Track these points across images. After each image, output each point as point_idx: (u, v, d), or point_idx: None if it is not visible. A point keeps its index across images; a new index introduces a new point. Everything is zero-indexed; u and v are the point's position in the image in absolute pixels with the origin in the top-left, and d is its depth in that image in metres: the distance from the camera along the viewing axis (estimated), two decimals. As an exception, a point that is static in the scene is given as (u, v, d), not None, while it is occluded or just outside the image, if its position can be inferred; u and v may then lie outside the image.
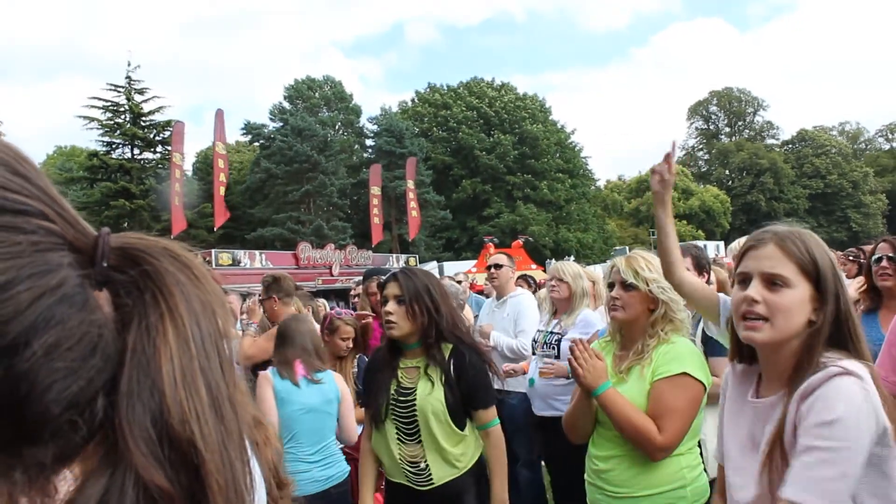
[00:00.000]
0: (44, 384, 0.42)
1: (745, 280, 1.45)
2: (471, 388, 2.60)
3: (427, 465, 2.59)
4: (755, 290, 1.41)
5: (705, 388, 2.28)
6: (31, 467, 0.43)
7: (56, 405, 0.43)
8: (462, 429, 2.60)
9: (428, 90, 43.89)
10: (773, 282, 1.40)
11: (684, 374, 2.24)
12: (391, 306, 2.61)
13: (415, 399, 2.59)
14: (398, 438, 2.64)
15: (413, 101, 44.40)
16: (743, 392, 1.55)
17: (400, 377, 2.67)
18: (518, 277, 7.87)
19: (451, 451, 2.57)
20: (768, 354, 1.46)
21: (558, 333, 4.02)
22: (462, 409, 2.60)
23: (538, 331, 4.25)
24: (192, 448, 0.45)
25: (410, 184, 30.05)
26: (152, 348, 0.46)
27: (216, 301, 0.52)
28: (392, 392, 2.65)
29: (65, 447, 0.44)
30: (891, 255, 3.08)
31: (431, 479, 2.58)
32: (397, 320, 2.59)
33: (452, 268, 19.80)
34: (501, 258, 5.10)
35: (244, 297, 6.34)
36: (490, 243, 22.54)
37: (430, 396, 2.56)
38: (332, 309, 4.89)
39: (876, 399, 1.29)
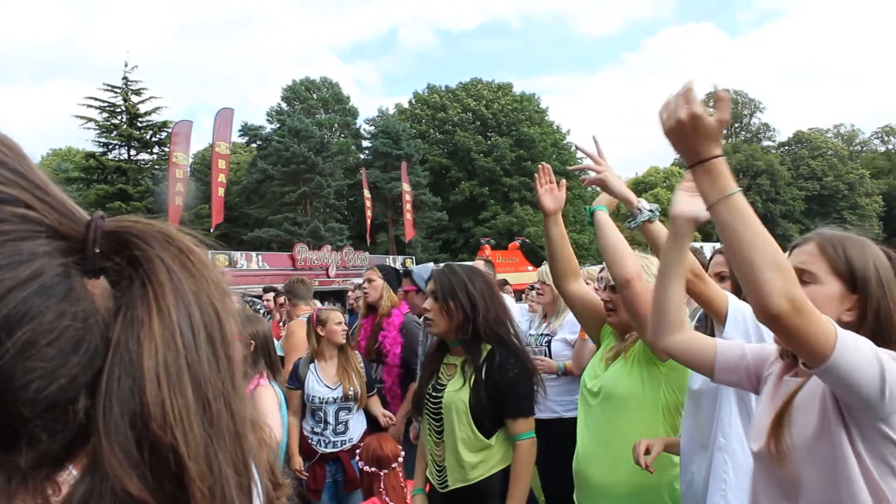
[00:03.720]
0: (18, 385, 0.39)
1: None
2: (501, 393, 2.48)
3: (445, 467, 2.57)
4: None
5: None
6: (11, 472, 0.40)
7: (31, 407, 0.40)
8: (488, 436, 2.50)
9: (427, 91, 43.93)
10: (801, 278, 1.45)
11: None
12: (428, 303, 2.62)
13: (443, 396, 2.57)
14: (430, 436, 2.66)
15: (411, 102, 44.44)
16: (780, 375, 1.62)
17: (440, 373, 2.67)
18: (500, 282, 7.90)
19: (468, 458, 2.50)
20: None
21: (547, 335, 4.12)
22: (491, 414, 2.49)
23: (529, 334, 4.28)
24: (173, 453, 0.42)
25: (406, 186, 30.02)
26: (135, 343, 0.42)
27: (214, 291, 0.47)
28: (429, 387, 2.66)
29: (46, 451, 0.41)
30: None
31: (447, 482, 2.56)
32: (433, 317, 2.59)
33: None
34: (478, 264, 5.23)
35: (241, 297, 6.39)
36: (486, 245, 22.57)
37: (456, 394, 2.53)
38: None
39: None
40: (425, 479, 2.76)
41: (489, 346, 2.55)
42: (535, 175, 2.56)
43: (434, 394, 2.63)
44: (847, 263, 1.46)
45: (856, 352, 1.29)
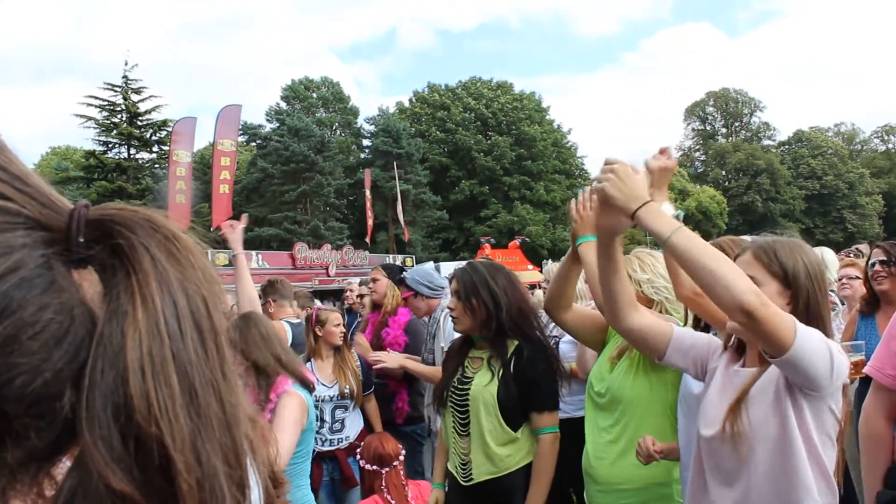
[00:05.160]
0: (2, 381, 0.39)
1: None
2: (527, 387, 2.53)
3: (471, 460, 2.59)
4: None
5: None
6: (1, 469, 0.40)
7: (17, 404, 0.39)
8: (515, 429, 2.54)
9: (427, 90, 43.91)
10: None
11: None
12: (452, 301, 2.67)
13: (470, 388, 2.61)
14: (454, 429, 2.68)
15: (411, 101, 44.43)
16: (727, 366, 1.83)
17: (465, 366, 2.71)
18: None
19: (496, 450, 2.53)
20: (748, 339, 1.74)
21: (555, 336, 4.04)
22: (519, 408, 2.54)
23: None
24: (158, 445, 0.40)
25: (399, 185, 29.97)
26: (119, 334, 0.41)
27: (202, 279, 0.46)
28: (454, 381, 2.70)
29: (33, 447, 0.40)
30: (883, 259, 3.12)
31: (472, 475, 2.58)
32: (457, 315, 2.64)
33: (449, 268, 19.79)
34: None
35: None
36: (486, 244, 22.57)
37: (485, 388, 2.56)
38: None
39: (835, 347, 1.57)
40: (445, 472, 2.77)
41: (516, 342, 2.58)
42: (574, 203, 2.39)
43: (459, 387, 2.66)
44: (780, 264, 1.69)
45: (811, 341, 1.52)
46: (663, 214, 1.65)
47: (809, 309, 1.67)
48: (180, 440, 0.41)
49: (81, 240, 0.44)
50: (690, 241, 1.58)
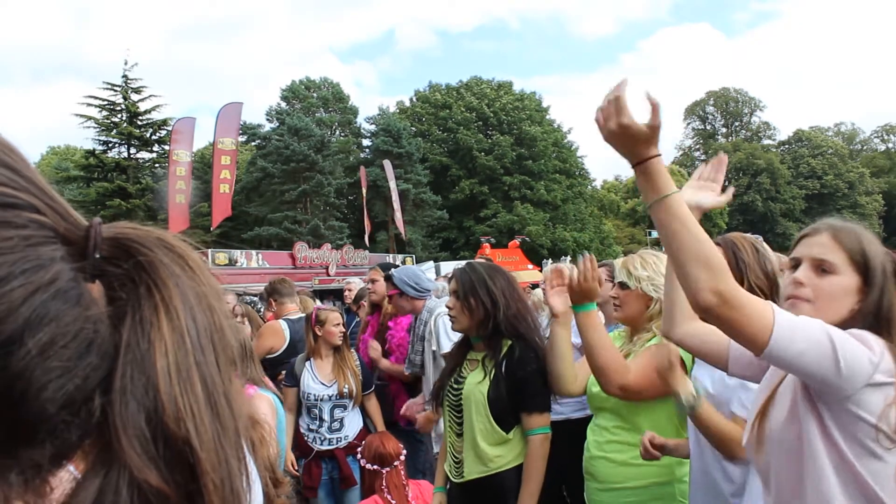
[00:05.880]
0: (39, 384, 0.41)
1: (795, 265, 1.50)
2: (518, 387, 2.54)
3: (462, 458, 2.62)
4: (803, 273, 1.47)
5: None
6: (27, 468, 0.42)
7: (52, 405, 0.42)
8: (507, 430, 2.55)
9: (428, 89, 43.85)
10: (821, 267, 1.45)
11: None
12: (451, 301, 2.70)
13: (463, 387, 2.64)
14: (451, 428, 2.71)
15: (412, 100, 44.38)
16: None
17: (463, 367, 2.75)
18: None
19: (486, 450, 2.55)
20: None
21: None
22: (510, 408, 2.56)
23: None
24: (186, 446, 0.44)
25: (393, 185, 29.90)
26: (146, 343, 0.45)
27: (212, 293, 0.50)
28: (451, 381, 2.73)
29: (61, 447, 0.43)
30: None
31: (463, 473, 2.61)
32: (456, 314, 2.67)
33: (449, 268, 19.79)
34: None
35: (239, 296, 6.40)
36: (486, 243, 22.57)
37: (476, 387, 2.59)
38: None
39: (872, 351, 1.31)
40: (445, 476, 2.79)
41: (510, 342, 2.61)
42: (546, 280, 2.50)
43: (455, 386, 2.70)
44: (863, 254, 1.43)
45: (794, 335, 1.30)
46: (658, 178, 1.41)
47: (881, 310, 1.41)
48: (206, 441, 0.45)
49: (97, 255, 0.47)
50: (668, 218, 1.39)
